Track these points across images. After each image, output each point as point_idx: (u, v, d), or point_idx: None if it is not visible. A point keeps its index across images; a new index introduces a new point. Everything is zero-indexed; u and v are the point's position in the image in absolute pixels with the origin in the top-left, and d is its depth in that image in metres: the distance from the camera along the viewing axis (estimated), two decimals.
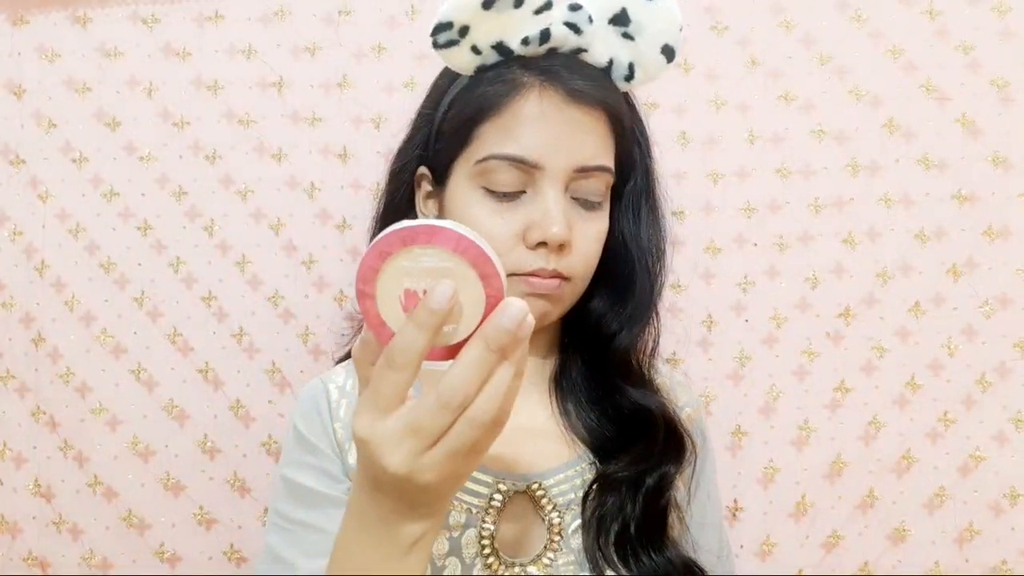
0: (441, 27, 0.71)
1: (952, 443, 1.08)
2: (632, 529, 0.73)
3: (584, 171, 0.72)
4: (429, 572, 0.71)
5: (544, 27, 0.71)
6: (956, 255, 1.09)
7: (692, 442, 0.80)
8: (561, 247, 0.71)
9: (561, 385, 0.81)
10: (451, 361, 0.50)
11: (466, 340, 0.51)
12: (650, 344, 0.84)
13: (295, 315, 1.09)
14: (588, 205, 0.74)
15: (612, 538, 0.72)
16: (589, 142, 0.72)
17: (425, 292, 0.49)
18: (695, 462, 0.81)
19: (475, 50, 0.72)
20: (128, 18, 1.10)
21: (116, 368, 1.08)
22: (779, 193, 1.10)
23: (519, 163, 0.71)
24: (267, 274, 1.10)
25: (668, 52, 0.75)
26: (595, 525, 0.73)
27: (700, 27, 1.11)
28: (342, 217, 1.10)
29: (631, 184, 0.81)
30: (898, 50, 1.10)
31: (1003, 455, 1.07)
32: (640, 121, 0.82)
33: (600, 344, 0.80)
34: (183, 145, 1.09)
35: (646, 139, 0.82)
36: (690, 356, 1.09)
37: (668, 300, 1.07)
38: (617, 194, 0.80)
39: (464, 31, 0.71)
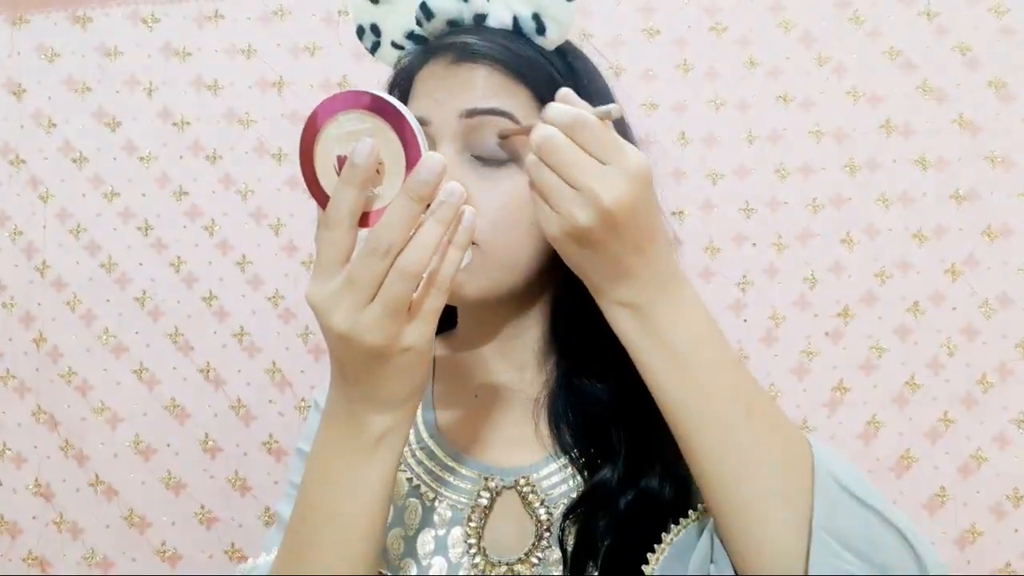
0: (359, 32, 0.74)
1: (952, 443, 1.08)
2: (625, 530, 0.68)
3: (471, 114, 0.66)
4: (409, 536, 0.71)
5: (422, 1, 0.71)
6: (955, 254, 1.09)
7: None
8: None
9: (553, 390, 0.76)
10: None
11: None
12: None
13: (295, 315, 1.10)
14: (491, 162, 0.67)
15: (605, 539, 0.68)
16: (477, 89, 0.68)
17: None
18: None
19: (396, 45, 0.74)
20: (128, 18, 1.10)
21: (117, 367, 1.08)
22: (778, 192, 1.10)
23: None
24: (267, 274, 1.10)
25: None
26: (585, 524, 0.69)
27: (700, 27, 1.12)
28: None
29: None
30: (896, 50, 1.10)
31: (1005, 456, 1.07)
32: (587, 77, 0.75)
33: (586, 345, 0.73)
34: (183, 145, 1.10)
35: (599, 95, 0.74)
36: None
37: None
38: None
39: (376, 30, 0.73)
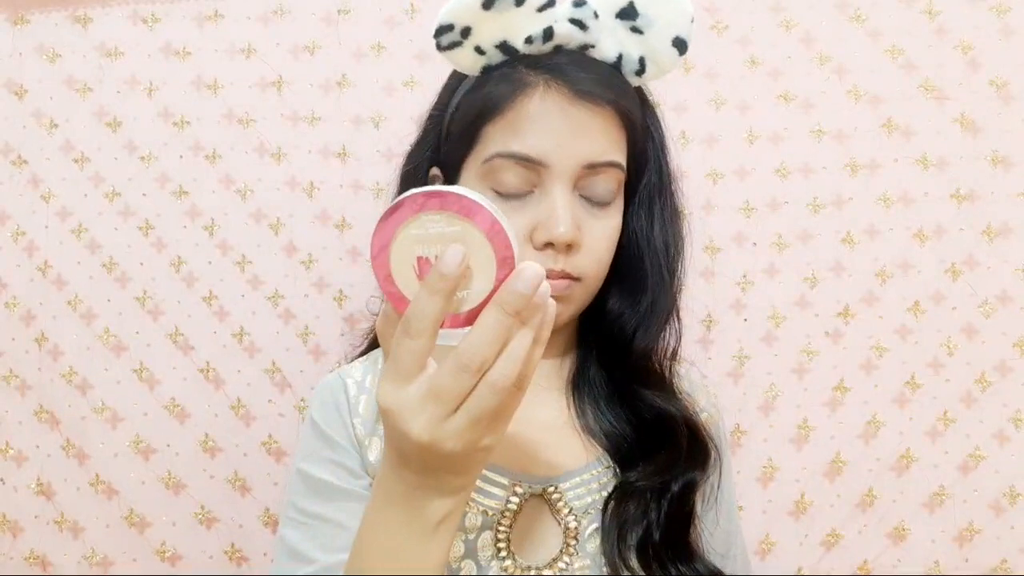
0: (442, 29, 0.71)
1: (952, 442, 1.08)
2: (656, 537, 0.72)
3: (593, 167, 0.70)
4: (447, 571, 0.71)
5: (547, 25, 0.70)
6: (955, 254, 1.09)
7: (716, 449, 0.78)
8: (569, 247, 0.70)
9: (579, 387, 0.80)
10: (468, 328, 0.51)
11: (480, 309, 0.51)
12: (671, 346, 0.82)
13: (295, 315, 1.10)
14: (598, 203, 0.72)
15: (634, 544, 0.71)
16: (597, 139, 0.71)
17: (436, 258, 0.50)
18: (720, 468, 0.79)
19: (479, 51, 0.72)
20: (128, 18, 1.10)
21: (117, 367, 1.08)
22: (778, 192, 1.10)
23: (524, 161, 0.70)
24: (267, 274, 1.10)
25: (680, 44, 0.74)
26: (615, 531, 0.71)
27: (700, 26, 1.11)
28: (342, 217, 1.10)
29: (644, 181, 0.79)
30: (897, 49, 1.10)
31: (1003, 454, 1.07)
32: (654, 116, 0.81)
33: (619, 345, 0.78)
34: (183, 145, 1.10)
35: (660, 134, 0.81)
36: (690, 355, 1.09)
37: None
38: (631, 191, 0.78)
39: (466, 32, 0.71)
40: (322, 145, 1.10)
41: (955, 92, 1.09)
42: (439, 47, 0.72)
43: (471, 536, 0.71)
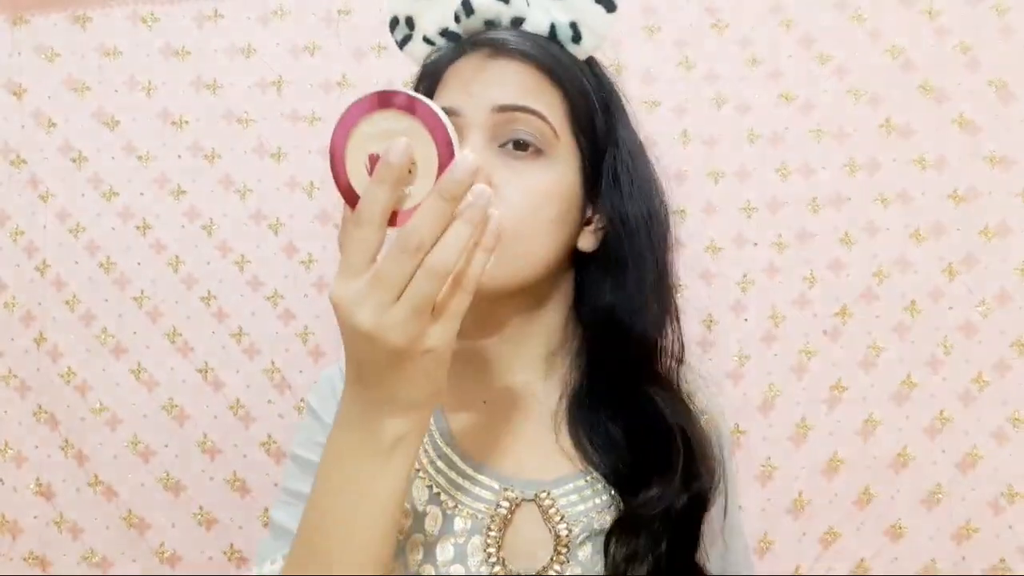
0: (392, 24, 0.75)
1: (949, 441, 1.08)
2: (663, 564, 0.70)
3: (503, 110, 0.68)
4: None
5: None
6: (953, 254, 1.09)
7: (720, 463, 0.76)
8: None
9: (578, 398, 0.76)
10: None
11: None
12: (674, 345, 0.79)
13: (295, 315, 1.09)
14: (519, 155, 0.69)
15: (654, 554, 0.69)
16: (509, 85, 0.69)
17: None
18: (723, 477, 0.76)
19: (427, 41, 0.75)
20: (127, 18, 1.10)
21: (116, 368, 1.08)
22: (779, 192, 1.10)
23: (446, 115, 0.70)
24: (266, 274, 1.10)
25: (603, 1, 0.72)
26: (623, 565, 0.69)
27: (701, 25, 1.12)
28: (341, 216, 1.10)
29: (607, 157, 0.75)
30: (897, 49, 1.10)
31: (1001, 453, 1.08)
32: (609, 90, 0.77)
33: (617, 339, 0.75)
34: (182, 145, 1.09)
35: (619, 108, 0.78)
36: (690, 356, 1.08)
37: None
38: (596, 172, 0.74)
39: (411, 23, 0.75)
40: (322, 145, 1.10)
41: (954, 92, 1.09)
42: (398, 45, 0.76)
43: (460, 540, 0.71)
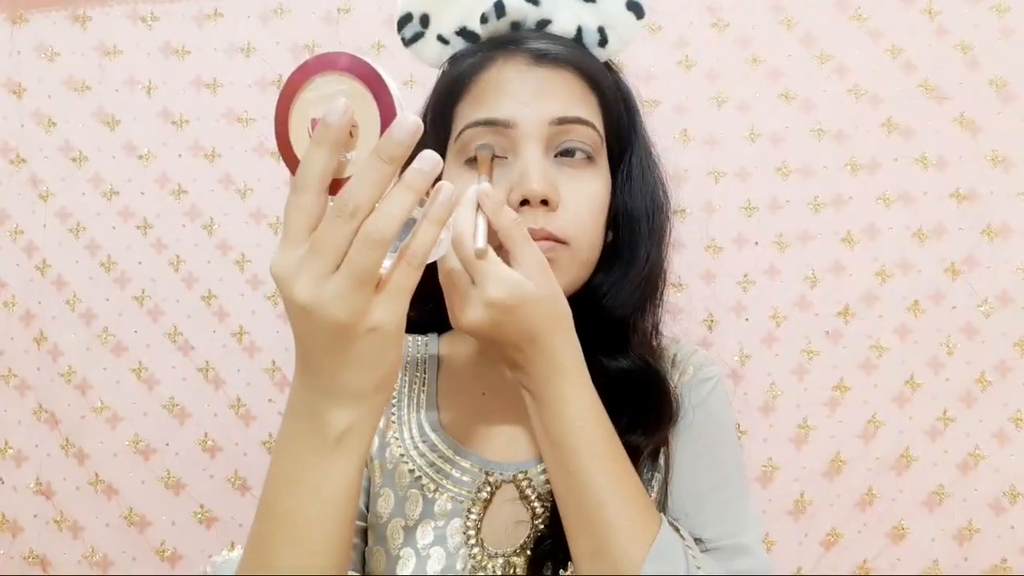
0: (403, 20, 0.73)
1: (951, 441, 1.08)
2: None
3: (561, 122, 0.69)
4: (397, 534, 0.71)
5: (498, 0, 0.72)
6: (955, 254, 1.09)
7: (675, 403, 0.74)
8: (546, 204, 0.68)
9: None
10: None
11: None
12: (650, 321, 0.78)
13: None
14: (575, 164, 0.71)
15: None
16: (561, 96, 0.70)
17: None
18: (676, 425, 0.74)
19: (442, 40, 0.74)
20: (127, 17, 1.10)
21: (117, 366, 1.08)
22: (779, 192, 1.10)
23: (492, 126, 0.69)
24: (267, 273, 1.09)
25: (635, 8, 0.73)
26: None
27: (701, 25, 1.11)
28: None
29: (627, 155, 0.77)
30: (897, 49, 1.10)
31: (1003, 454, 1.07)
32: (627, 91, 0.79)
33: (594, 315, 0.74)
34: (182, 144, 1.09)
35: (634, 109, 0.79)
36: None
37: (668, 300, 1.07)
38: (615, 166, 0.76)
39: (425, 21, 0.73)
40: None
41: (955, 92, 1.09)
42: (404, 41, 0.74)
43: (440, 523, 0.71)
